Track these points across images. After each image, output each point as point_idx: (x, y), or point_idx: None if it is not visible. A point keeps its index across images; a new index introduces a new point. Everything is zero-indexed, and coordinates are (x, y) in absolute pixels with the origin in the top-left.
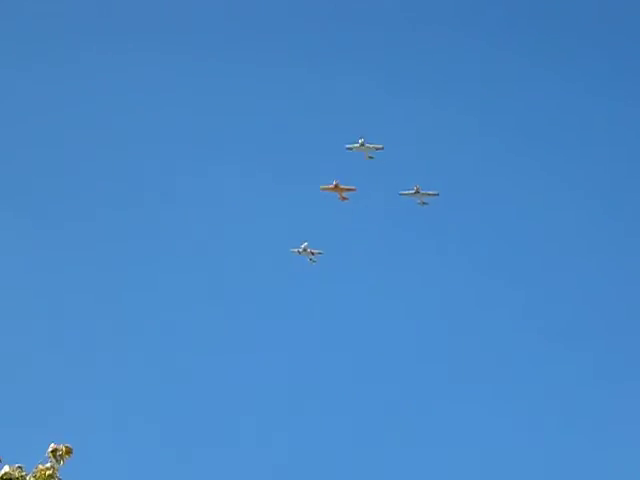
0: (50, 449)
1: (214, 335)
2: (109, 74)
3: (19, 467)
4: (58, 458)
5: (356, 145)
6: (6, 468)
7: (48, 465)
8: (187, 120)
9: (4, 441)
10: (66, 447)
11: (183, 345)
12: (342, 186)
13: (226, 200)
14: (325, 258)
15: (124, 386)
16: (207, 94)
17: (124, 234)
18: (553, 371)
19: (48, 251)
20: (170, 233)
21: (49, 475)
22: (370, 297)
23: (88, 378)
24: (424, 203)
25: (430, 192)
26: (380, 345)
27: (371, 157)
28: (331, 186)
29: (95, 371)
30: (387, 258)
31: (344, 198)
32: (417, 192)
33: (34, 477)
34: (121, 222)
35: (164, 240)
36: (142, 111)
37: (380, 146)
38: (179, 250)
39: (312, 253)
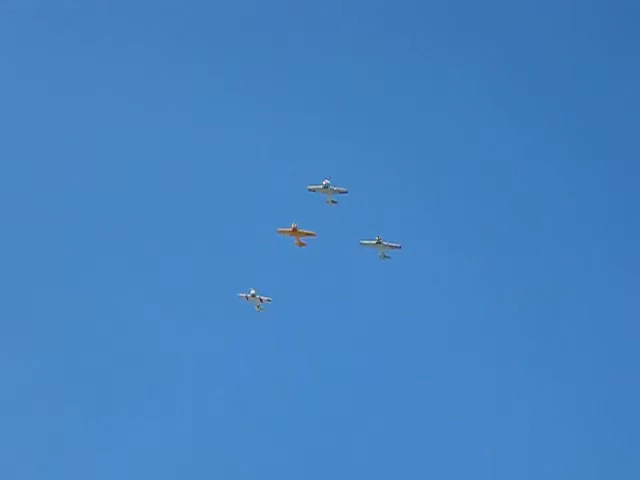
0: None
1: None
2: None
3: None
4: None
5: (319, 186)
6: None
7: None
8: None
9: None
10: None
11: None
12: (301, 230)
13: None
14: (274, 306)
15: None
16: None
17: None
18: None
19: None
20: None
21: None
22: (316, 354)
23: None
24: (385, 257)
25: (393, 244)
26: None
27: (334, 202)
28: (289, 229)
29: None
30: (340, 309)
31: (301, 244)
32: (379, 242)
33: None
34: None
35: None
36: None
37: (344, 189)
38: None
39: (261, 300)
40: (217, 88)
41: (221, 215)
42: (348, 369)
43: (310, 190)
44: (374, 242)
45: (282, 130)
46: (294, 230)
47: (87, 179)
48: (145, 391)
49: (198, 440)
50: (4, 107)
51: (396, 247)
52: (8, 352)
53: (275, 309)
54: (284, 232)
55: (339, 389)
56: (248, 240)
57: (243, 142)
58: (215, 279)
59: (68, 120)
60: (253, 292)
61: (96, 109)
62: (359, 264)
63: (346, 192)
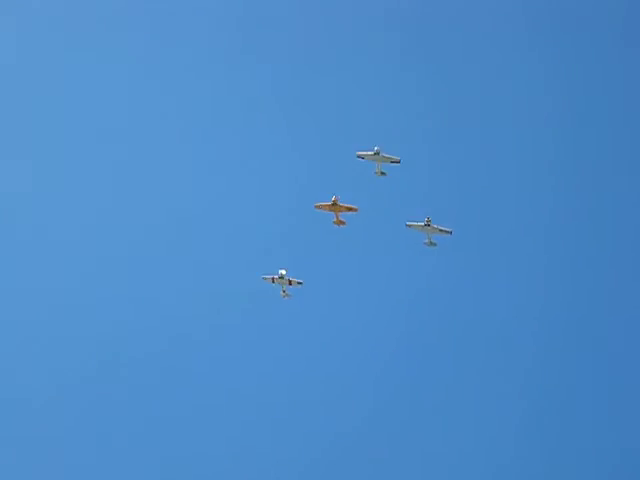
0: None
1: None
2: None
3: None
4: None
5: (369, 153)
6: None
7: None
8: None
9: None
10: None
11: None
12: (342, 204)
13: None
14: (304, 290)
15: None
16: None
17: None
18: None
19: None
20: None
21: None
22: (347, 350)
23: None
24: (432, 243)
25: (443, 228)
26: None
27: (383, 173)
28: (328, 204)
29: None
30: (380, 300)
31: (340, 222)
32: (428, 225)
33: None
34: None
35: None
36: None
37: (397, 158)
38: None
39: (290, 282)
40: None
41: (250, 184)
42: (382, 368)
43: (359, 157)
44: (422, 224)
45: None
46: (334, 204)
47: None
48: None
49: None
50: None
51: (446, 232)
52: None
53: (305, 295)
54: (322, 207)
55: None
56: (281, 215)
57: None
58: (238, 260)
59: None
60: (283, 272)
61: None
62: (403, 249)
63: (399, 162)
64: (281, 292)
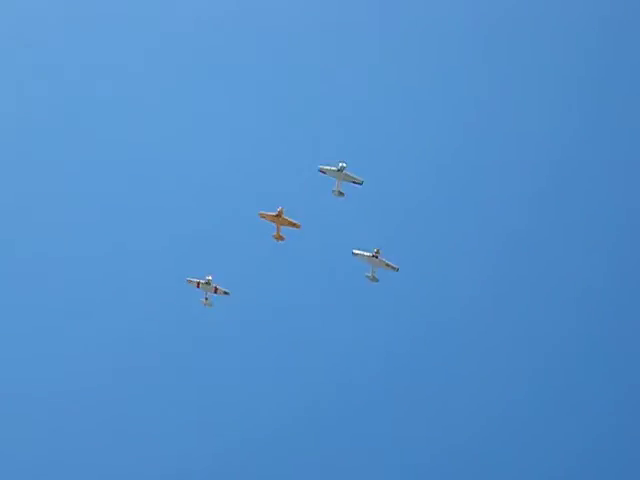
0: None
1: None
2: None
3: None
4: None
5: (332, 169)
6: None
7: None
8: None
9: None
10: None
11: None
12: (286, 218)
13: None
14: (228, 300)
15: None
16: None
17: None
18: None
19: None
20: None
21: None
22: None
23: None
24: (374, 278)
25: (390, 263)
26: None
27: (341, 193)
28: (273, 214)
29: None
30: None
31: (280, 237)
32: (375, 257)
33: None
34: None
35: None
36: None
37: (359, 179)
38: None
39: (215, 290)
40: None
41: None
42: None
43: (321, 171)
44: (369, 254)
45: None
46: (278, 215)
47: None
48: None
49: None
50: None
51: (393, 268)
52: None
53: (229, 305)
54: (266, 216)
55: None
56: (223, 221)
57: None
58: (167, 262)
59: None
60: (209, 278)
61: None
62: (341, 277)
63: (361, 183)
64: (203, 299)
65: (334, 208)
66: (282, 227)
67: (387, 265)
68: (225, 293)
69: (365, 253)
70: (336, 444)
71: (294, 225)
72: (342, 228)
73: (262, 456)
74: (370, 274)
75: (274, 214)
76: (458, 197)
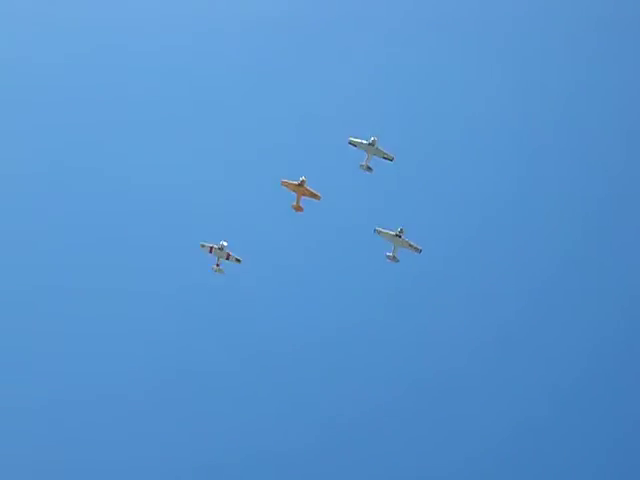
0: None
1: None
2: None
3: None
4: None
5: (363, 142)
6: None
7: None
8: None
9: None
10: None
11: None
12: (307, 188)
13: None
14: (240, 269)
15: None
16: None
17: None
18: None
19: None
20: None
21: None
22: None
23: None
24: (395, 259)
25: (414, 244)
26: None
27: (370, 169)
28: (295, 183)
29: None
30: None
31: (299, 208)
32: (398, 236)
33: None
34: None
35: None
36: None
37: (391, 155)
38: None
39: (228, 257)
40: None
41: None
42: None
43: (351, 144)
44: (392, 233)
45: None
46: (300, 185)
47: None
48: None
49: None
50: None
51: (416, 249)
52: None
53: (239, 274)
54: (289, 185)
55: None
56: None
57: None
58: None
59: None
60: (224, 244)
61: None
62: (361, 254)
63: (392, 159)
64: (214, 265)
65: (361, 183)
66: (303, 198)
67: (410, 245)
68: (237, 261)
69: (389, 232)
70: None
71: (314, 196)
72: (367, 204)
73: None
74: (391, 253)
75: (296, 183)
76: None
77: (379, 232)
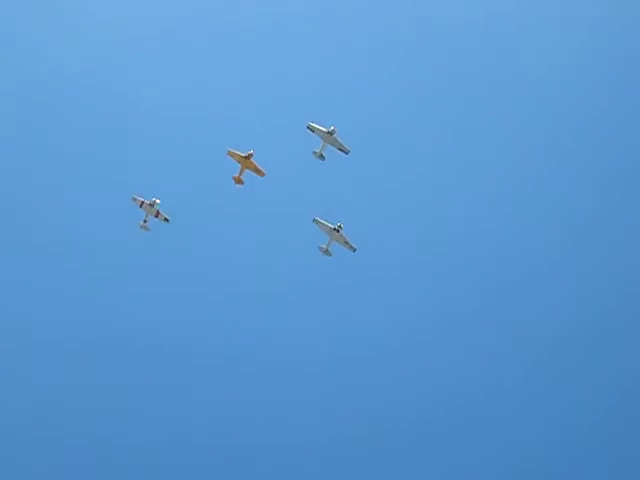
0: None
1: None
2: None
3: None
4: None
5: (322, 129)
6: None
7: None
8: None
9: None
10: None
11: None
12: (253, 162)
13: None
14: (166, 228)
15: None
16: None
17: None
18: None
19: None
20: None
21: None
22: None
23: None
24: (327, 252)
25: (350, 242)
26: None
27: (322, 156)
28: (242, 154)
29: None
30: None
31: (239, 181)
32: (337, 230)
33: None
34: None
35: None
36: None
37: (347, 148)
38: None
39: (157, 214)
40: None
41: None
42: None
43: (309, 128)
44: (331, 227)
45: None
46: (247, 157)
47: None
48: None
49: None
50: None
51: (351, 247)
52: None
53: (165, 233)
54: (234, 155)
55: None
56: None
57: None
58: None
59: None
60: (156, 201)
61: None
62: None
63: (347, 152)
64: (142, 222)
65: (310, 171)
66: (246, 170)
67: (346, 243)
68: (165, 220)
69: (328, 224)
70: None
71: (259, 172)
72: (313, 193)
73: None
74: (325, 246)
75: (243, 155)
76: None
77: (317, 222)
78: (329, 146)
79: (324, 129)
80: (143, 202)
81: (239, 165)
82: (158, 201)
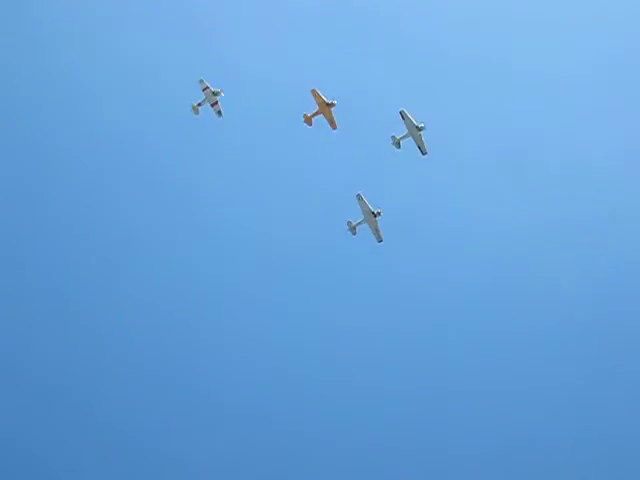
0: None
1: None
2: None
3: None
4: None
5: (413, 121)
6: None
7: None
8: None
9: None
10: None
11: None
12: (332, 113)
13: None
14: (216, 122)
15: None
16: None
17: None
18: None
19: None
20: None
21: None
22: None
23: None
24: (354, 230)
25: (380, 231)
26: None
27: (398, 144)
28: (326, 101)
29: None
30: None
31: (309, 121)
32: (374, 215)
33: None
34: None
35: None
36: None
37: (425, 151)
38: None
39: (214, 104)
40: None
41: None
42: None
43: (402, 114)
44: (371, 209)
45: None
46: (329, 105)
47: None
48: None
49: None
50: None
51: (378, 237)
52: None
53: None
54: (317, 96)
55: None
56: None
57: None
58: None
59: None
60: (221, 91)
61: None
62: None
63: (424, 154)
64: (196, 103)
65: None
66: (319, 117)
67: (376, 230)
68: (219, 113)
69: (369, 205)
70: None
71: (332, 123)
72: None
73: None
74: (354, 223)
75: (326, 101)
76: None
77: (360, 198)
78: (410, 139)
79: (414, 122)
80: (208, 87)
81: (317, 107)
82: (222, 93)
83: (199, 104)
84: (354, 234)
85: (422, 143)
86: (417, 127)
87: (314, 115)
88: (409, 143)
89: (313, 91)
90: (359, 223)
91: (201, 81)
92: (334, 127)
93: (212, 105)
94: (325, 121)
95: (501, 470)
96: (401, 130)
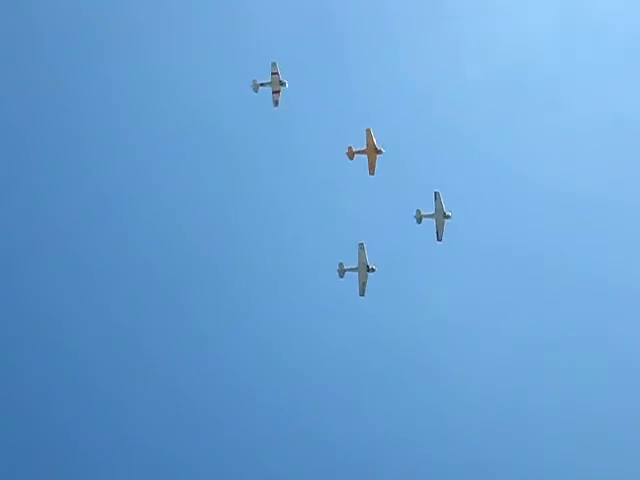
0: None
1: None
2: None
3: None
4: None
5: (443, 208)
6: None
7: None
8: None
9: None
10: None
11: None
12: (375, 160)
13: None
14: (270, 109)
15: None
16: None
17: None
18: None
19: None
20: None
21: None
22: None
23: None
24: (420, 218)
25: (365, 287)
26: None
27: (420, 219)
28: (375, 144)
29: None
30: None
31: (352, 155)
32: (445, 216)
33: None
34: None
35: None
36: None
37: (441, 236)
38: None
39: (275, 92)
40: None
41: None
42: None
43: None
44: (367, 262)
45: None
46: (377, 150)
47: None
48: None
49: None
50: None
51: (362, 289)
52: None
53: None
54: (370, 136)
55: None
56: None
57: None
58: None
59: None
60: (286, 82)
61: None
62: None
63: (439, 240)
64: (259, 82)
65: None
66: (361, 156)
67: (363, 284)
68: (275, 103)
69: (367, 258)
70: None
71: (372, 169)
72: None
73: None
74: (345, 268)
75: (376, 146)
76: None
77: (361, 248)
78: (432, 220)
79: (444, 208)
80: (277, 73)
81: (365, 145)
82: (287, 84)
83: (262, 84)
84: (341, 277)
85: (442, 230)
86: (445, 214)
87: (359, 152)
88: (429, 223)
89: (367, 130)
90: (351, 269)
91: (274, 64)
92: (372, 172)
93: (273, 92)
94: (365, 162)
95: None
96: (428, 207)
